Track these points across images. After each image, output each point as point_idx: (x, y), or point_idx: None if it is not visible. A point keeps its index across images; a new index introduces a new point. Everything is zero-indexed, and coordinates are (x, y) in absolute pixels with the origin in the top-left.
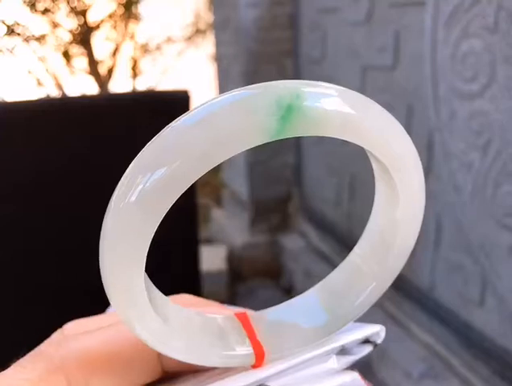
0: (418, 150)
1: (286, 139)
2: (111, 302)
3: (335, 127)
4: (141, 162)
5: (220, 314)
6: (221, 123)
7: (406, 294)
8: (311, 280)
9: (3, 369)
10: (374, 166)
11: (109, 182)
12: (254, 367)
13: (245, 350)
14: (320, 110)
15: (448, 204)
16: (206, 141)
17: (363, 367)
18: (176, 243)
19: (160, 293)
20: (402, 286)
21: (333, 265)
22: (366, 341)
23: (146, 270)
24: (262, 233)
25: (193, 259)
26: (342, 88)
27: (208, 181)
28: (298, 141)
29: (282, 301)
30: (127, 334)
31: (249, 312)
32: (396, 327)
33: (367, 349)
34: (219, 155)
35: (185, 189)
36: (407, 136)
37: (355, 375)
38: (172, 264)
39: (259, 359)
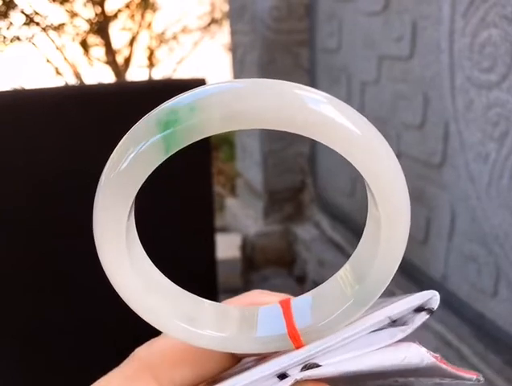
0: (434, 140)
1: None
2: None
3: (216, 124)
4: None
5: (267, 303)
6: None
7: (419, 284)
8: (324, 269)
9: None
10: (369, 197)
11: None
12: (297, 347)
13: (280, 333)
14: (197, 115)
15: (463, 195)
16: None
17: None
18: (192, 231)
19: (187, 293)
20: (416, 276)
21: (346, 255)
22: (420, 309)
23: (164, 258)
24: (276, 222)
25: (209, 247)
26: (219, 85)
27: (222, 170)
28: None
29: (294, 290)
30: None
31: (294, 298)
32: None
33: (421, 317)
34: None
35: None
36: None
37: (411, 347)
38: (188, 251)
39: (295, 340)
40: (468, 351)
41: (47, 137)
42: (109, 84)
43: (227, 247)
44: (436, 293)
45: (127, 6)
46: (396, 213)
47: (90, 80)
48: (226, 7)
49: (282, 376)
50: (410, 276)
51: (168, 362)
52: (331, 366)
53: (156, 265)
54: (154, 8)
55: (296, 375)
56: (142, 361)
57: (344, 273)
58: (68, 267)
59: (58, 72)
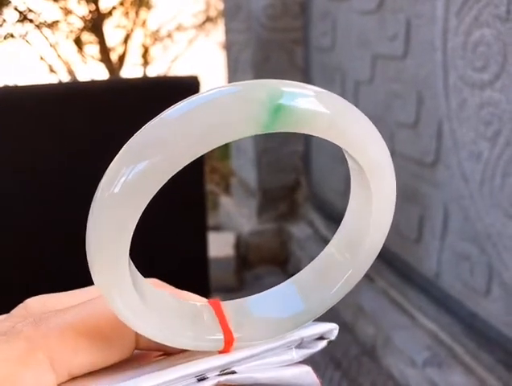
0: (427, 139)
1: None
2: (94, 280)
3: (320, 127)
4: (126, 154)
5: (194, 300)
6: (214, 113)
7: (412, 282)
8: None
9: None
10: (351, 166)
11: None
12: (221, 352)
13: (215, 335)
14: (307, 110)
15: (456, 194)
16: (196, 131)
17: (367, 353)
18: (185, 229)
19: (139, 274)
20: (408, 274)
21: None
22: (321, 337)
23: (156, 256)
24: (270, 221)
25: (201, 245)
26: (323, 90)
27: (217, 168)
28: None
29: None
30: (106, 312)
31: (223, 301)
32: (401, 315)
33: (321, 344)
34: (207, 145)
35: (166, 180)
36: (383, 142)
37: (308, 369)
38: (181, 250)
39: (228, 345)
40: (461, 349)
41: (41, 134)
42: (103, 81)
43: (221, 245)
44: (337, 327)
45: (121, 4)
46: (380, 167)
47: (84, 77)
48: (221, 5)
49: (201, 378)
50: (403, 274)
51: (69, 347)
52: (244, 374)
53: (148, 264)
54: (148, 6)
55: (215, 378)
56: (34, 342)
57: (334, 246)
58: (66, 267)
59: (52, 70)
